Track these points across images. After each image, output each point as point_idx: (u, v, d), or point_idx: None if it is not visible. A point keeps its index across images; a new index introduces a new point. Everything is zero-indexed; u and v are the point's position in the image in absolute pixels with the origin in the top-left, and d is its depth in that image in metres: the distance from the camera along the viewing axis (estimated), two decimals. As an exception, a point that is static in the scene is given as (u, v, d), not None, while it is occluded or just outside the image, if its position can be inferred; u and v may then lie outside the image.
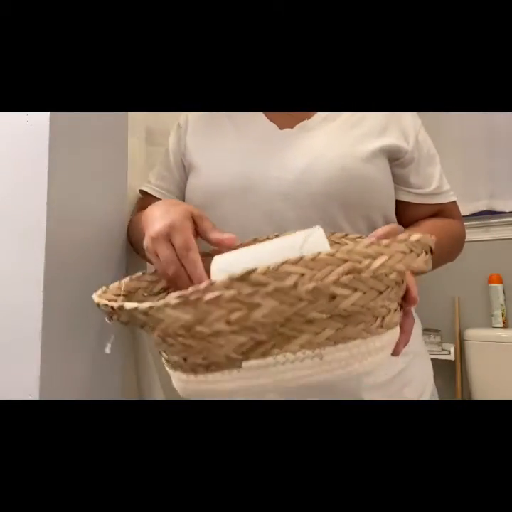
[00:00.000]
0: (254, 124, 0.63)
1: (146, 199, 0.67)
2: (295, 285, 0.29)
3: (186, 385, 0.36)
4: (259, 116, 0.64)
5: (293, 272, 0.30)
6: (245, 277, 0.29)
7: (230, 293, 0.30)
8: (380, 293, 0.33)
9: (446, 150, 1.82)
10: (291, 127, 0.61)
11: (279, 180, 0.57)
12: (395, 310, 0.36)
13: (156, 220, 0.44)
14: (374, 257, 0.31)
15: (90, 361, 0.54)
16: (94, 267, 0.56)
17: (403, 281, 0.36)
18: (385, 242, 0.32)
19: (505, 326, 1.62)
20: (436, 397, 0.63)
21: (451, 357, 1.61)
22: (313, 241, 0.39)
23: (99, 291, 0.41)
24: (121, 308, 0.34)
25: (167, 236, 0.42)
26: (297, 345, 0.32)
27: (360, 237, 0.52)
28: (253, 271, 0.29)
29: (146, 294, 0.49)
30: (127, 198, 0.64)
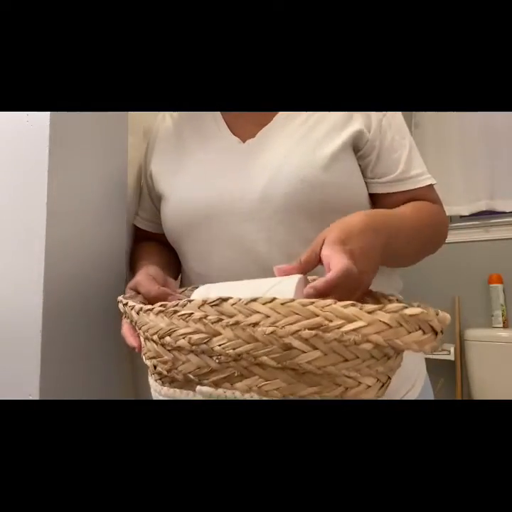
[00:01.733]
0: (216, 140, 0.61)
1: (137, 228, 0.72)
2: (256, 324, 0.30)
3: (155, 394, 0.40)
4: (223, 130, 0.62)
5: (260, 312, 0.30)
6: (218, 304, 0.32)
7: (199, 314, 0.32)
8: (346, 360, 0.29)
9: (447, 150, 1.83)
10: (254, 135, 0.59)
11: (243, 202, 0.55)
12: (369, 386, 0.31)
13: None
14: (350, 320, 0.28)
15: (90, 361, 0.54)
16: (94, 265, 0.56)
17: (389, 358, 0.31)
18: (369, 307, 0.28)
19: (505, 326, 1.62)
20: (429, 388, 0.62)
21: (451, 357, 1.61)
22: (279, 288, 0.37)
23: (127, 295, 0.47)
24: (126, 304, 0.41)
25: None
26: (246, 385, 0.32)
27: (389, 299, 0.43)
28: (226, 299, 0.31)
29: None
30: (127, 197, 0.64)
